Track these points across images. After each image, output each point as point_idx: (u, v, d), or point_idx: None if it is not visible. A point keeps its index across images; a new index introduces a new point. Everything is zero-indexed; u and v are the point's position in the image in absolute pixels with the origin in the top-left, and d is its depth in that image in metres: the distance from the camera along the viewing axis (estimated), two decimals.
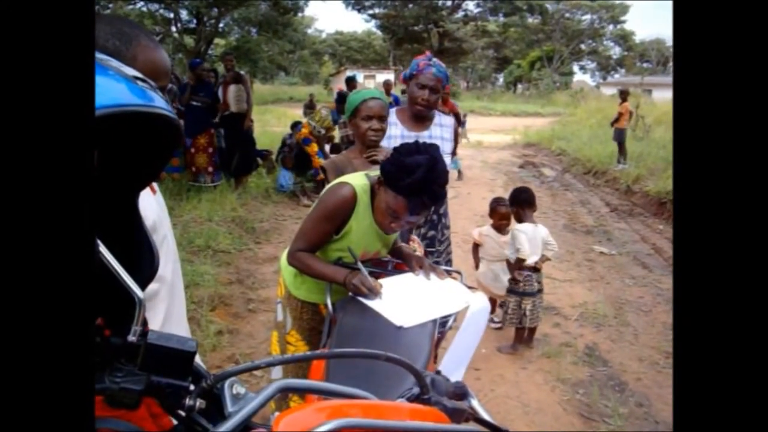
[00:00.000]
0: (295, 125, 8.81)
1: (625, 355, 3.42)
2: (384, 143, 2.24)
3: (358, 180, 1.74)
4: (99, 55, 0.57)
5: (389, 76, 24.55)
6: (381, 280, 1.71)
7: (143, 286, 0.60)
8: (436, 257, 2.73)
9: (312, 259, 1.75)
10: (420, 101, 2.56)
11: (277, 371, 2.01)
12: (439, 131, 2.68)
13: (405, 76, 2.65)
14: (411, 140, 2.61)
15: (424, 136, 2.59)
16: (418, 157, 1.57)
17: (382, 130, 2.13)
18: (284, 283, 1.96)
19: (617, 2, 39.73)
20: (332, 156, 2.43)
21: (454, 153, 2.89)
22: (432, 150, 1.61)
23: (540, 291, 3.45)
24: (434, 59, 2.61)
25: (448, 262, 2.87)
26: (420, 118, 2.65)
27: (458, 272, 1.96)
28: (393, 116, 2.63)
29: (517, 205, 3.51)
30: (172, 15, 20.27)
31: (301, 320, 1.91)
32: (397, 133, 2.60)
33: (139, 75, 0.57)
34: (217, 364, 3.06)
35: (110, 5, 14.55)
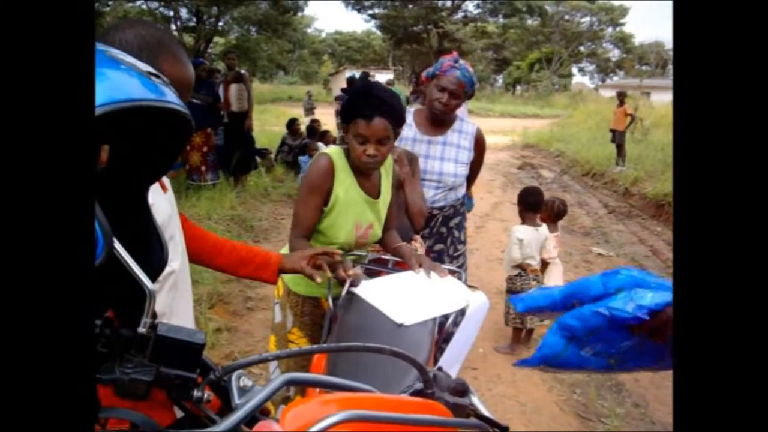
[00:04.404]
0: (291, 123, 8.81)
1: None
2: (395, 144, 2.22)
3: (332, 149, 1.84)
4: (113, 51, 0.58)
5: (389, 76, 24.54)
6: (381, 278, 1.72)
7: (153, 279, 0.61)
8: None
9: (307, 246, 1.77)
10: (436, 104, 2.40)
11: (274, 367, 2.02)
12: (456, 138, 2.52)
13: (427, 75, 2.47)
14: (423, 144, 2.57)
15: (438, 141, 2.50)
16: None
17: None
18: (283, 281, 1.97)
19: (617, 4, 39.84)
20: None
21: (470, 184, 2.71)
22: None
23: None
24: (461, 62, 2.41)
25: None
26: (437, 121, 2.49)
27: (458, 271, 1.97)
28: (409, 117, 2.49)
29: (519, 206, 3.52)
30: (171, 13, 20.23)
31: (303, 316, 1.92)
32: (409, 135, 2.49)
33: (153, 71, 0.58)
34: (216, 361, 3.05)
35: (110, 2, 14.48)
